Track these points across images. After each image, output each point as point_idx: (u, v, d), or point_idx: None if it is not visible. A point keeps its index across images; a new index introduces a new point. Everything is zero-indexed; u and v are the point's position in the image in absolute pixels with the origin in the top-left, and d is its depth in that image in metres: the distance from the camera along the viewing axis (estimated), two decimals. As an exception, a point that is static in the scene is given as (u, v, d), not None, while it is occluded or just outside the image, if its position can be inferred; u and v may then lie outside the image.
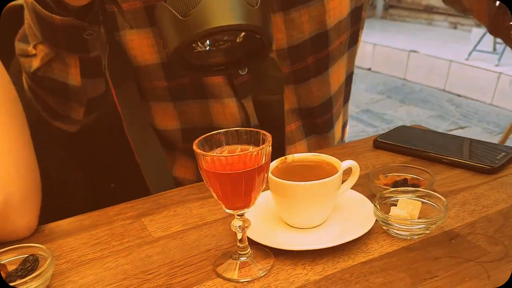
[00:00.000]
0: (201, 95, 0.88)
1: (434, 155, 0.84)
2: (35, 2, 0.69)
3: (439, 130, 3.74)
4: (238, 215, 0.57)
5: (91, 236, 0.69)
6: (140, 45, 0.84)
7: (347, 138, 1.15)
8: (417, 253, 0.61)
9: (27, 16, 0.74)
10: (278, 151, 0.89)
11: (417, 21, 6.58)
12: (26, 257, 0.59)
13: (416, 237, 0.63)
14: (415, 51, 5.18)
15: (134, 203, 0.77)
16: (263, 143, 0.54)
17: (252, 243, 0.62)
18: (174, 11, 0.54)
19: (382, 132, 0.99)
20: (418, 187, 0.69)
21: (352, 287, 0.56)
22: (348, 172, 0.68)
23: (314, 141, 1.00)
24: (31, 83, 0.81)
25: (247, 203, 0.55)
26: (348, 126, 1.17)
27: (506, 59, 4.52)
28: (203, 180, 0.54)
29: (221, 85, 0.87)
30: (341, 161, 0.65)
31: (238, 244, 0.60)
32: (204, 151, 0.54)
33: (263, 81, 0.86)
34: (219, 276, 0.59)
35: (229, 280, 0.58)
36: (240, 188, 0.53)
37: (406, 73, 5.19)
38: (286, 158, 0.67)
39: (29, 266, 0.58)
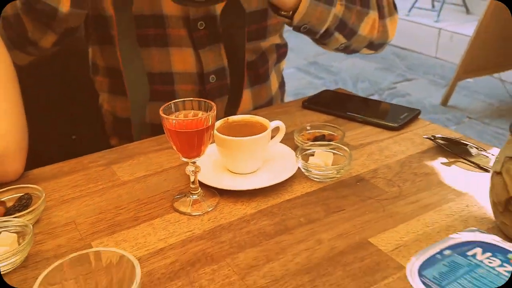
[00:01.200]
0: (164, 44, 1.07)
1: (350, 115, 1.04)
2: None
3: (386, 82, 3.94)
4: (191, 162, 0.75)
5: (70, 180, 0.86)
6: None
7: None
8: (330, 193, 0.81)
9: None
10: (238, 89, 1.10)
11: None
12: (22, 195, 0.76)
13: (329, 180, 0.83)
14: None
15: (104, 153, 0.94)
16: (210, 110, 0.72)
17: (202, 185, 0.80)
18: None
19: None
20: (332, 141, 0.89)
21: (279, 218, 0.75)
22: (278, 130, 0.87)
23: (256, 91, 1.20)
24: (22, 6, 0.96)
25: (198, 153, 0.73)
26: (286, 87, 1.37)
27: (444, 15, 4.78)
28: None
29: (182, 37, 1.07)
30: (272, 121, 0.84)
31: (191, 185, 0.78)
32: (167, 115, 0.71)
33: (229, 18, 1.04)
34: (176, 210, 0.77)
35: (183, 213, 0.76)
36: (193, 142, 0.71)
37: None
38: (228, 119, 0.85)
39: (25, 202, 0.75)
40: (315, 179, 0.83)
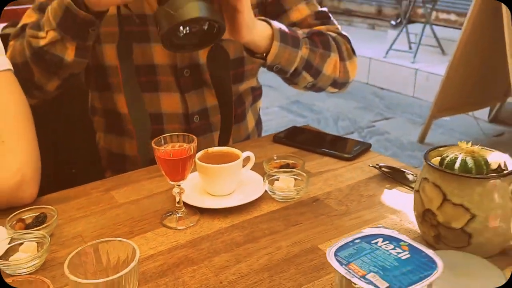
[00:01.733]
0: (155, 89, 1.27)
1: (312, 147, 1.24)
2: (71, 2, 1.05)
3: (365, 121, 4.13)
4: (177, 185, 0.94)
5: (76, 203, 1.04)
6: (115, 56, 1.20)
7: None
8: (291, 210, 1.00)
9: (51, 11, 1.10)
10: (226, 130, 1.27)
11: (338, 22, 7.08)
12: (38, 214, 0.94)
13: (290, 200, 1.02)
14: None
15: (103, 182, 1.13)
16: (192, 142, 0.92)
17: (186, 204, 0.99)
18: (169, 10, 0.94)
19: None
20: (294, 168, 1.09)
21: (248, 230, 0.94)
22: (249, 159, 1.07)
23: (235, 129, 1.39)
24: (31, 56, 1.15)
25: (182, 177, 0.93)
26: (262, 125, 1.58)
27: (421, 57, 5.04)
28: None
29: (170, 83, 1.28)
30: (244, 152, 1.04)
31: (176, 205, 0.97)
32: (158, 146, 0.91)
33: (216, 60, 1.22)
34: (164, 225, 0.96)
35: (170, 228, 0.95)
36: (178, 168, 0.91)
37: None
38: (207, 150, 1.05)
39: (41, 219, 0.93)
40: (279, 200, 1.02)
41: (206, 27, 1.01)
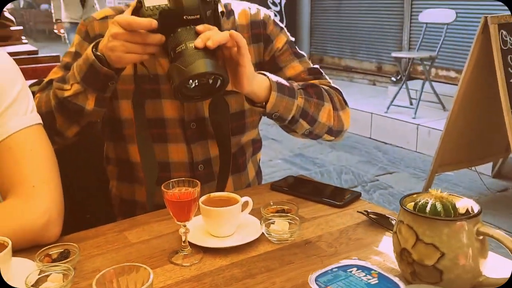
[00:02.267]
0: (164, 140, 1.43)
1: (306, 195, 1.38)
2: (95, 59, 1.21)
3: (369, 175, 4.20)
4: (183, 225, 1.08)
5: (94, 242, 1.18)
6: (130, 111, 1.37)
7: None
8: (285, 251, 1.13)
9: (76, 68, 1.27)
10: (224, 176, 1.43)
11: (339, 78, 7.35)
12: (63, 250, 1.08)
13: (285, 241, 1.15)
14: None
15: (118, 223, 1.27)
16: (196, 186, 1.07)
17: (190, 244, 1.12)
18: (180, 66, 1.11)
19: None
20: (289, 213, 1.22)
21: (246, 268, 1.07)
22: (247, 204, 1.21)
23: (236, 178, 1.54)
24: (56, 105, 1.32)
25: (187, 218, 1.07)
26: (264, 177, 1.72)
27: (422, 112, 5.21)
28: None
29: (178, 135, 1.43)
30: (242, 197, 1.18)
31: (182, 244, 1.10)
32: (167, 190, 1.06)
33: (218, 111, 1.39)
34: (171, 262, 1.09)
35: (177, 264, 1.08)
36: (184, 209, 1.06)
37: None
38: (210, 195, 1.19)
39: (65, 254, 1.07)
40: (274, 241, 1.16)
41: (211, 80, 1.17)
